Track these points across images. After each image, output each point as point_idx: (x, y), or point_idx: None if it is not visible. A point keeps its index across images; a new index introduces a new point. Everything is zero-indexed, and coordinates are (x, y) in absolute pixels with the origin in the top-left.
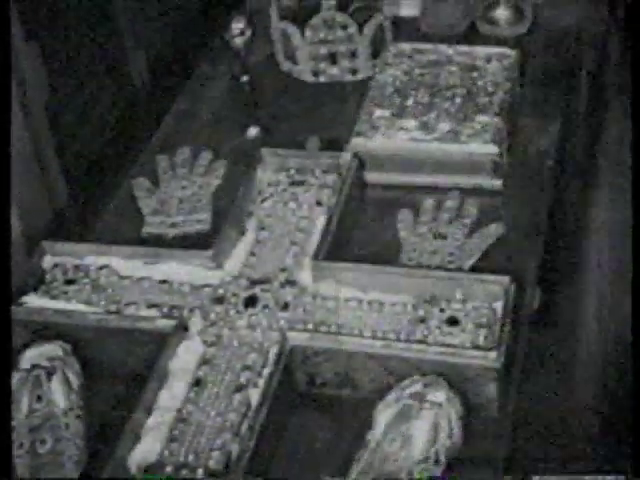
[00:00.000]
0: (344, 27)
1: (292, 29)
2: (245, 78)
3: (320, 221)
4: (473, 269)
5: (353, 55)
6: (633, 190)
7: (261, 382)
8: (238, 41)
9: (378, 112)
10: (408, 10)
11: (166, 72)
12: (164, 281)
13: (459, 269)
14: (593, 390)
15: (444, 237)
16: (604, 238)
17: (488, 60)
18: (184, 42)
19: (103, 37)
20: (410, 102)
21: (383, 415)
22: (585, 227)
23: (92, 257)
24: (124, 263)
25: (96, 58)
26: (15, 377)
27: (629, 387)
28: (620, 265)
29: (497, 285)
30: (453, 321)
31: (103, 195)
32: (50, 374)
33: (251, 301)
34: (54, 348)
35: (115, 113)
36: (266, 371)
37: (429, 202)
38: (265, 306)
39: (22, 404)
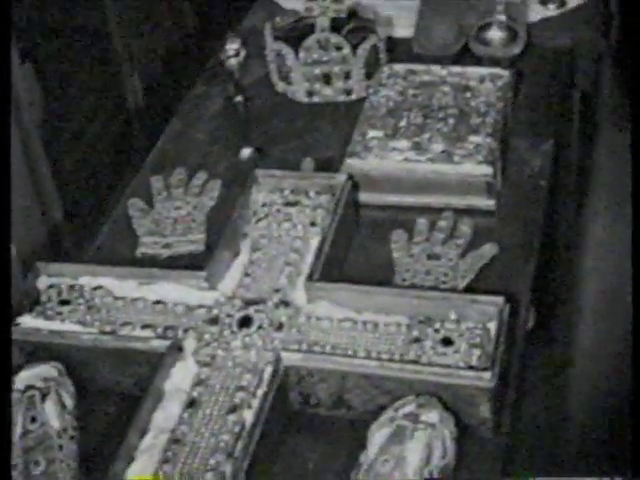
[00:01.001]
0: (338, 48)
1: (286, 50)
2: (239, 99)
3: (314, 242)
4: (467, 289)
5: (347, 76)
6: (633, 206)
7: (255, 403)
8: (232, 62)
9: (372, 133)
10: (402, 31)
11: (160, 92)
12: (158, 302)
13: (453, 289)
14: (588, 409)
15: (438, 257)
16: (598, 257)
17: (481, 81)
18: (178, 62)
19: (98, 58)
20: (403, 123)
21: (377, 436)
22: (579, 246)
23: (86, 278)
24: (118, 284)
25: (91, 78)
26: None
27: (625, 405)
28: (615, 284)
29: (491, 305)
30: (447, 341)
31: (98, 215)
32: (44, 395)
33: (245, 322)
34: (48, 369)
35: (110, 133)
36: (260, 391)
37: (423, 222)
38: (259, 327)
39: (16, 425)
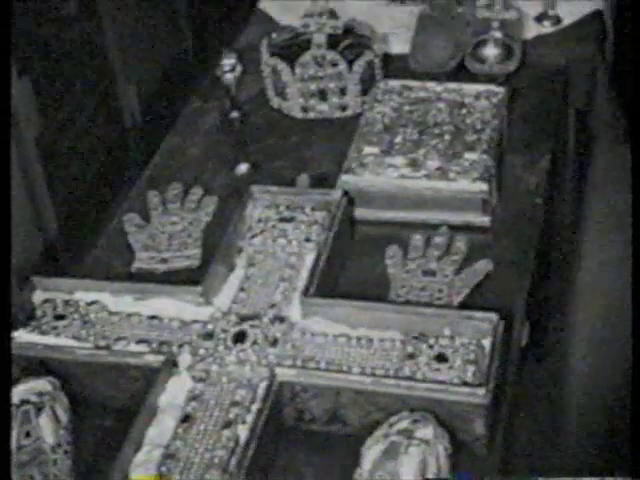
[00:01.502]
0: (334, 64)
1: (282, 66)
2: (235, 114)
3: (309, 257)
4: (462, 305)
5: (342, 92)
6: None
7: (250, 418)
8: (228, 77)
9: (367, 149)
10: (398, 47)
11: (157, 107)
12: (153, 317)
13: (448, 306)
14: (584, 425)
15: (433, 273)
16: (594, 273)
17: (477, 97)
18: (175, 77)
19: (94, 72)
20: (399, 139)
21: (371, 452)
22: (574, 262)
23: (82, 293)
24: (114, 299)
25: (87, 93)
26: None
27: (620, 422)
28: (610, 300)
29: (485, 322)
30: (441, 358)
31: (93, 230)
32: (39, 410)
33: (240, 337)
34: (43, 383)
35: (106, 148)
36: (255, 407)
37: (418, 239)
38: (254, 342)
39: (11, 440)
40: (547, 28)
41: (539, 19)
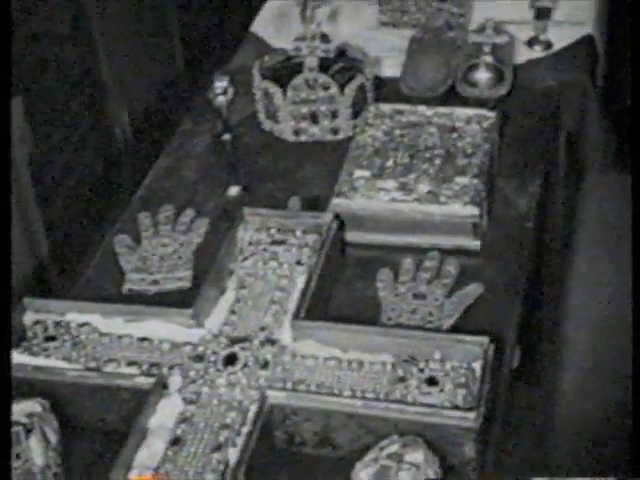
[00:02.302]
0: (326, 88)
1: (274, 89)
2: (227, 136)
3: (300, 280)
4: (453, 329)
5: (334, 115)
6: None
7: (240, 441)
8: (221, 100)
9: (358, 172)
10: (390, 71)
11: (149, 129)
12: (144, 338)
13: (438, 329)
14: (574, 448)
15: (423, 297)
16: (583, 296)
17: (468, 122)
18: (167, 100)
19: (87, 94)
20: (390, 163)
21: (361, 475)
22: (564, 286)
23: (73, 314)
24: (105, 320)
25: (80, 114)
26: None
27: (611, 444)
28: (601, 322)
29: (476, 345)
30: (432, 381)
31: (85, 251)
32: (28, 431)
33: (231, 359)
34: (33, 405)
35: (98, 169)
36: (245, 430)
37: (409, 262)
38: (245, 364)
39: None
40: (538, 53)
41: (530, 44)
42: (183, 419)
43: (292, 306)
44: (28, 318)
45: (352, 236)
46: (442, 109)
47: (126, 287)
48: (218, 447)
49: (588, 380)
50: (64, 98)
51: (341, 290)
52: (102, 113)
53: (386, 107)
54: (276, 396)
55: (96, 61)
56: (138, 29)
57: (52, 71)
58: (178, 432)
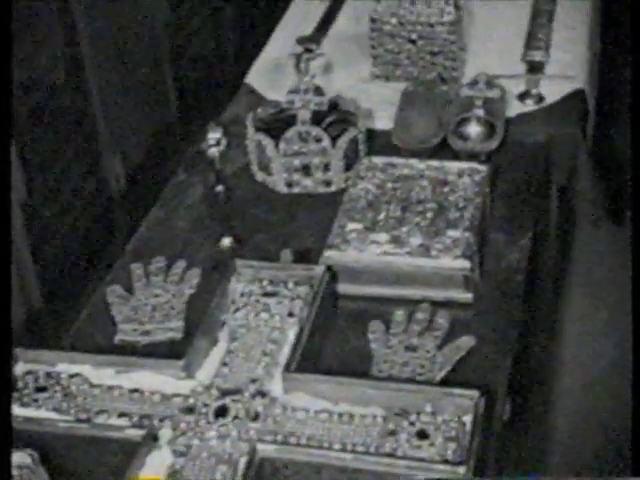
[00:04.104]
0: (318, 140)
1: (267, 141)
2: (220, 188)
3: (292, 332)
4: (444, 381)
5: (326, 167)
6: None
7: None
8: (213, 151)
9: (351, 225)
10: (382, 123)
11: (142, 179)
12: (135, 390)
13: (430, 381)
14: None
15: (415, 349)
16: (575, 349)
17: (460, 175)
18: (161, 149)
19: (80, 142)
20: (382, 216)
21: None
22: (556, 338)
23: (64, 365)
24: (96, 371)
25: (73, 162)
26: None
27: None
28: (592, 375)
29: (466, 399)
30: (423, 434)
31: (76, 302)
32: None
33: (221, 411)
34: (22, 456)
35: (91, 218)
36: None
37: (400, 314)
38: (235, 417)
39: None
40: (530, 106)
41: (522, 97)
42: (173, 471)
43: (283, 358)
44: (19, 368)
45: (344, 288)
46: (434, 162)
47: (118, 337)
48: None
49: (580, 430)
50: (57, 147)
51: (332, 342)
52: (96, 163)
53: (378, 160)
54: (266, 449)
55: (90, 109)
56: (132, 79)
57: (46, 120)
58: None
